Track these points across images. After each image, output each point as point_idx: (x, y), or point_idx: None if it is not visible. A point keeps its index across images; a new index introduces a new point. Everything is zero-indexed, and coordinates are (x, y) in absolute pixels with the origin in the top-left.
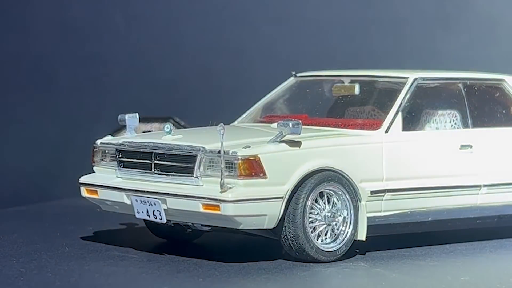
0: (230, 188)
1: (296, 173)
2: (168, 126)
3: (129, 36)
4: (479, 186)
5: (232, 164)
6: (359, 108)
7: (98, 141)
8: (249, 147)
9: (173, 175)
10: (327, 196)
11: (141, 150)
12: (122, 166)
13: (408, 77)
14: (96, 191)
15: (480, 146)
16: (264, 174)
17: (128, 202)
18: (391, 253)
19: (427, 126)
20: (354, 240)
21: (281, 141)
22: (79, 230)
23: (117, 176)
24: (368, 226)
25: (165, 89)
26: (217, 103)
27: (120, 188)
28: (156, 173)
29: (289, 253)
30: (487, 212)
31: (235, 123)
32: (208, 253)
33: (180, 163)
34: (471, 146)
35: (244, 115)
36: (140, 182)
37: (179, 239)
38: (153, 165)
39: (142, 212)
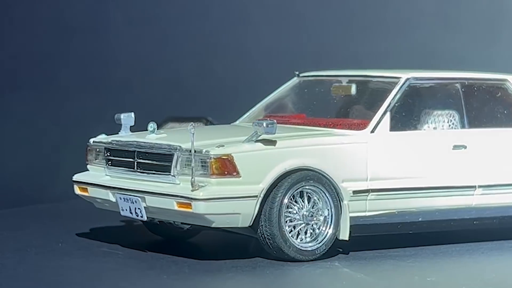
0: (202, 186)
1: (271, 172)
2: (151, 125)
3: (129, 36)
4: (474, 187)
5: (205, 163)
6: (354, 108)
7: (91, 140)
8: (223, 146)
9: (153, 173)
10: (308, 196)
11: (126, 149)
12: (110, 164)
13: (400, 77)
14: (87, 188)
15: (475, 146)
16: (237, 173)
17: (114, 199)
18: (378, 253)
19: (424, 126)
20: (338, 240)
21: (256, 141)
22: (78, 229)
23: (106, 174)
24: (351, 226)
25: (165, 89)
26: (219, 103)
27: (107, 186)
28: (138, 171)
29: (268, 251)
30: (483, 213)
31: (237, 122)
32: (190, 250)
33: (159, 161)
34: (465, 147)
35: (246, 115)
36: (124, 180)
37: (176, 237)
38: (136, 163)
39: (126, 210)
